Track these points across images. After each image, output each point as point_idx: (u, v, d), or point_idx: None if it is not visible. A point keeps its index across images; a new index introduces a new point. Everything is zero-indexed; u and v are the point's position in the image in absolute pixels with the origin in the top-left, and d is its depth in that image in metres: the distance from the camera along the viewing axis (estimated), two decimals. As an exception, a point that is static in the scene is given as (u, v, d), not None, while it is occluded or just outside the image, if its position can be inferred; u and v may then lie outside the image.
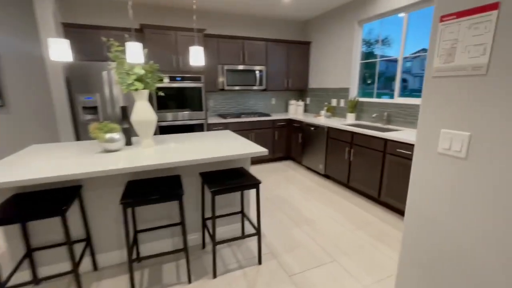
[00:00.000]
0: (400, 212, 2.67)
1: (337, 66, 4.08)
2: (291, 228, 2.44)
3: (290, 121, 4.45)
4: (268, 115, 4.40)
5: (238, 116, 4.19)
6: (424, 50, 3.07)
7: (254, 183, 1.78)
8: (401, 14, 3.10)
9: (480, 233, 1.03)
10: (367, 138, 2.89)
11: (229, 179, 1.83)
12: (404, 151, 2.47)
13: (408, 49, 3.13)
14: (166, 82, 3.52)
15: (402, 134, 2.65)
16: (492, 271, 1.00)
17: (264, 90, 4.51)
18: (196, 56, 2.19)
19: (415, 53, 3.14)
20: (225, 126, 4.00)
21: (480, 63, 0.99)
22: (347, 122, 3.58)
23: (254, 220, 2.55)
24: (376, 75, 3.63)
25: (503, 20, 0.92)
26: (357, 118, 3.78)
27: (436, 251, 1.19)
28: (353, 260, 1.99)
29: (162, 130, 3.62)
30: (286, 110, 5.14)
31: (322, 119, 3.95)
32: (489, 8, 0.95)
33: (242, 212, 2.24)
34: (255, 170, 4.12)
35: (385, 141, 2.68)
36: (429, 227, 1.23)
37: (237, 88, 4.16)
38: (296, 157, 4.39)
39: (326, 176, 3.77)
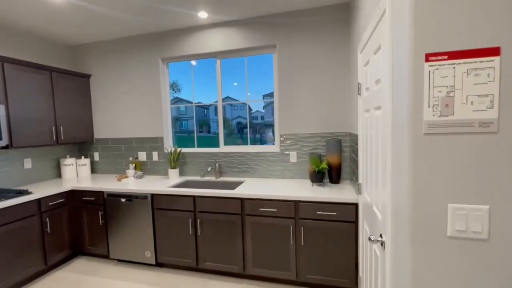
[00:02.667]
0: (273, 280, 2.26)
1: (142, 109, 3.13)
2: None
3: (74, 194, 2.72)
4: (23, 192, 2.37)
5: None
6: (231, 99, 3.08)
7: None
8: (190, 63, 2.93)
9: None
10: (216, 201, 2.26)
11: None
12: (268, 209, 2.13)
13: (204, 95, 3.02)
14: None
15: (251, 187, 2.33)
16: None
17: (6, 147, 2.43)
18: None
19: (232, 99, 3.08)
20: None
21: (489, 118, 0.78)
22: (173, 182, 2.73)
23: None
24: (194, 121, 3.17)
25: (508, 68, 0.77)
26: (182, 173, 3.04)
27: None
28: None
29: None
30: (56, 175, 3.17)
31: (133, 182, 2.76)
32: (489, 53, 0.77)
33: None
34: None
35: (241, 200, 2.21)
36: None
37: None
38: (95, 249, 2.70)
39: (160, 265, 2.59)
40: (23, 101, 2.54)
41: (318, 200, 2.01)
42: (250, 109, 3.18)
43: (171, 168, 2.90)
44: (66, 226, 2.64)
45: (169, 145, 3.14)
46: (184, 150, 3.03)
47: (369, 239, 1.25)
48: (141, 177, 3.00)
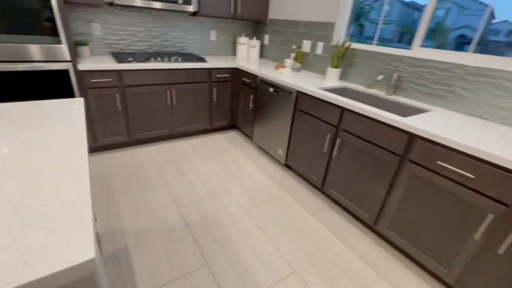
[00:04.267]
0: (410, 257, 1.57)
1: (319, -19, 2.40)
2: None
3: (237, 73, 2.82)
4: (201, 59, 2.67)
5: (149, 58, 2.38)
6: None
7: None
8: None
9: None
10: (370, 125, 1.55)
11: None
12: (456, 169, 1.21)
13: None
14: None
15: (440, 123, 1.37)
16: None
17: (195, 14, 2.65)
18: None
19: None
20: (117, 78, 2.20)
21: None
22: (327, 84, 2.16)
23: None
24: (383, 13, 2.12)
25: None
26: (343, 76, 2.37)
27: None
28: None
29: (-40, 80, 1.68)
30: (233, 52, 3.41)
31: (288, 74, 2.44)
32: None
33: None
34: (180, 149, 2.58)
35: (410, 136, 1.37)
36: None
37: (138, 3, 2.23)
38: (244, 128, 2.93)
39: (288, 166, 2.48)
40: (211, -36, 2.50)
41: None
42: (492, 15, 1.68)
43: (332, 67, 2.27)
44: (227, 100, 2.93)
45: (340, 35, 2.39)
46: (356, 46, 2.21)
47: None
48: (298, 70, 2.62)
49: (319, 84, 2.12)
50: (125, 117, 2.37)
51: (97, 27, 2.43)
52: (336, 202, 2.01)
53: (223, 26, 3.15)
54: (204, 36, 3.07)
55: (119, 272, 1.35)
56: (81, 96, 2.10)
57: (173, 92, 2.52)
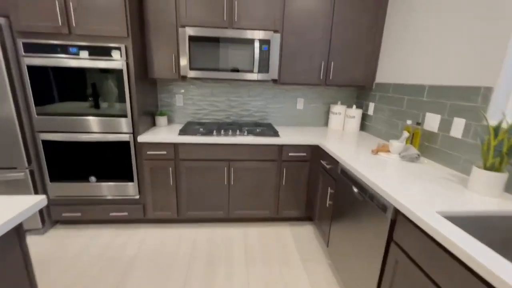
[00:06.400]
0: None
1: (460, 31, 1.49)
2: None
3: (318, 152, 2.11)
4: (274, 133, 2.16)
5: (212, 130, 2.12)
6: None
7: None
8: None
9: None
10: None
11: None
12: None
13: None
14: (45, 56, 1.76)
15: None
16: None
17: (275, 81, 2.28)
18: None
19: None
20: (173, 151, 2.01)
21: None
22: (469, 205, 1.07)
23: None
24: None
25: None
26: (513, 187, 1.19)
27: None
28: None
29: (48, 148, 1.92)
30: (325, 122, 2.74)
31: (391, 164, 1.50)
32: None
33: None
34: (230, 238, 2.01)
35: None
36: None
37: (206, 74, 2.08)
38: (320, 227, 2.05)
39: (374, 336, 1.36)
40: (300, 30, 2.13)
41: None
42: None
43: (485, 168, 1.18)
44: (302, 185, 2.20)
45: (504, 109, 1.29)
46: (549, 130, 1.06)
47: None
48: (413, 159, 1.61)
49: (450, 198, 1.08)
50: (176, 192, 2.12)
51: (179, 98, 2.48)
52: None
53: (312, 93, 2.62)
54: (289, 105, 2.63)
55: None
56: (137, 166, 2.03)
57: (231, 169, 2.10)
